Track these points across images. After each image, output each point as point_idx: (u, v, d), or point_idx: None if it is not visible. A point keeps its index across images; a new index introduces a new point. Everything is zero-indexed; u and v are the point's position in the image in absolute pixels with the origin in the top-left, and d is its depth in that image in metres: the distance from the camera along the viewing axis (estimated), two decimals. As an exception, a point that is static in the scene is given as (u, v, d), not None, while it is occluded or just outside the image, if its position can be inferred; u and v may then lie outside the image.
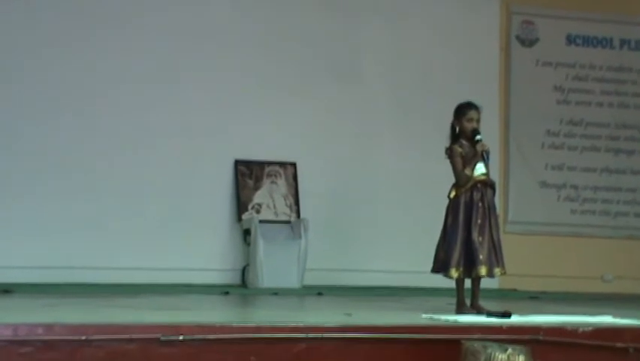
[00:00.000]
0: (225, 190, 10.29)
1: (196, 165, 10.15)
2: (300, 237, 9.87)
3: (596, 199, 11.45)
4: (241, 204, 10.23)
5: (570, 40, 11.57)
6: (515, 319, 5.65)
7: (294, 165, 10.46)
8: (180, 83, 10.17)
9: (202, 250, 10.02)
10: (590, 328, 5.15)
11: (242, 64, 10.34)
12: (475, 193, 6.37)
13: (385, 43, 10.85)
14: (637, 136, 11.63)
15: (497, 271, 6.32)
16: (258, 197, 10.29)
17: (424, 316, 5.78)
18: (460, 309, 6.27)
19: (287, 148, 10.40)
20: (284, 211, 10.31)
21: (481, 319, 5.70)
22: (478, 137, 6.40)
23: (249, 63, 10.37)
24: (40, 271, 9.22)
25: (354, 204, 10.51)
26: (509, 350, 4.46)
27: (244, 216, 10.15)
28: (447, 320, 5.43)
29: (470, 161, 6.40)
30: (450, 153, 6.47)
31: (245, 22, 10.43)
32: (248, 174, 10.33)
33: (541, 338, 4.99)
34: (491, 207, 6.42)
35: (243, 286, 9.87)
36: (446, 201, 6.46)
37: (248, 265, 9.93)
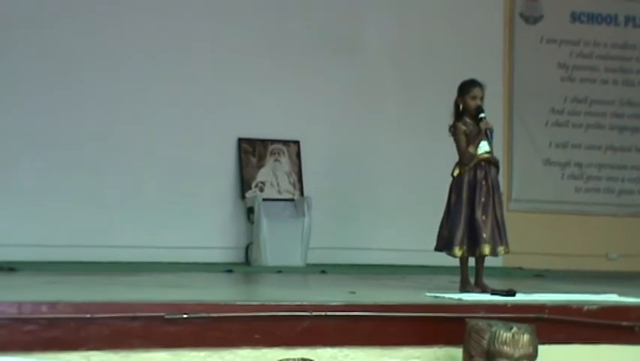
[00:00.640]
0: (229, 168, 10.29)
1: (199, 144, 10.14)
2: (303, 215, 9.87)
3: (601, 177, 11.44)
4: (244, 183, 10.22)
5: (574, 17, 11.52)
6: (520, 297, 5.63)
7: (297, 142, 10.45)
8: (183, 60, 10.15)
9: (205, 228, 10.03)
10: (595, 306, 5.13)
11: (245, 42, 10.33)
12: (478, 171, 6.34)
13: (389, 20, 10.81)
14: (642, 114, 11.62)
15: (501, 249, 6.29)
16: (262, 175, 10.28)
17: (427, 294, 5.77)
18: (464, 287, 6.25)
19: (290, 126, 10.39)
20: (287, 189, 10.30)
21: (486, 297, 5.68)
22: (482, 115, 6.36)
23: (253, 41, 10.35)
24: (43, 248, 9.24)
25: (358, 182, 10.51)
26: (514, 329, 4.45)
27: (247, 195, 10.14)
28: (451, 298, 5.42)
29: (474, 139, 6.36)
30: (453, 130, 6.43)
31: (248, 0, 10.39)
32: (251, 152, 10.32)
33: (546, 316, 4.97)
34: (495, 186, 6.38)
35: (246, 264, 9.88)
36: (450, 179, 6.43)
37: (251, 243, 9.93)
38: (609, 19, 11.63)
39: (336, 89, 10.56)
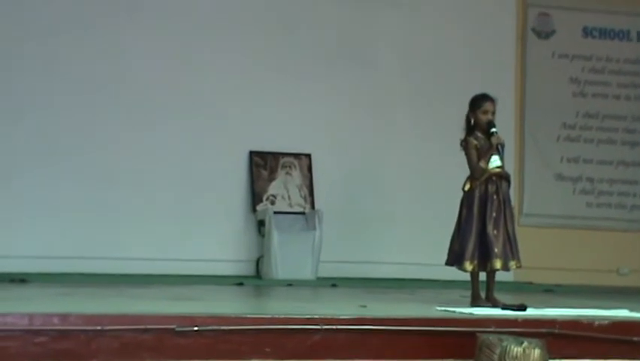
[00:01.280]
0: (240, 181, 10.29)
1: (211, 156, 10.15)
2: (314, 228, 9.87)
3: (612, 192, 11.41)
4: (256, 195, 10.23)
5: (587, 32, 11.52)
6: (531, 312, 5.63)
7: (308, 156, 10.45)
8: (194, 73, 10.16)
9: (216, 241, 10.03)
10: (606, 321, 5.13)
11: (257, 55, 10.34)
12: (489, 186, 6.34)
13: (401, 35, 10.82)
14: (654, 129, 11.60)
15: (512, 264, 6.30)
16: (273, 188, 10.29)
17: (438, 308, 5.76)
18: (475, 302, 6.25)
19: (302, 139, 10.39)
20: (298, 202, 10.30)
21: (497, 312, 5.68)
22: (493, 129, 6.37)
23: (264, 54, 10.37)
24: (54, 260, 9.25)
25: (369, 196, 10.50)
26: (525, 343, 4.45)
27: (258, 208, 10.14)
28: (462, 313, 5.42)
29: (485, 153, 6.37)
30: (465, 145, 6.44)
31: (258, 10, 10.41)
32: (262, 165, 10.33)
33: (556, 331, 4.97)
34: (506, 200, 6.39)
35: (257, 277, 9.88)
36: (461, 194, 6.43)
37: (262, 256, 9.93)
38: (621, 35, 11.63)
39: (347, 103, 10.56)
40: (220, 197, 10.14)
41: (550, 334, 4.91)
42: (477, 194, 6.33)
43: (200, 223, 9.97)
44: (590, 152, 11.37)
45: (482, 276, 6.37)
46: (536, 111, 11.24)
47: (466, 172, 6.45)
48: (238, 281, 9.06)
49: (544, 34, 11.41)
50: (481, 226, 6.27)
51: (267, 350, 4.55)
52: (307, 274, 9.70)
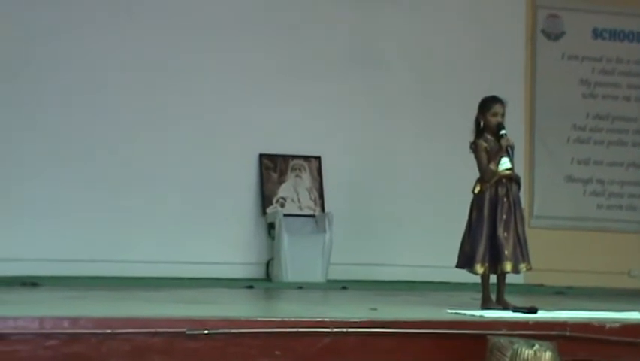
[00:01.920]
0: (250, 184, 10.30)
1: (221, 159, 10.16)
2: (324, 231, 9.87)
3: (623, 194, 11.39)
4: (265, 198, 10.23)
5: (596, 33, 11.50)
6: (542, 314, 5.62)
7: (318, 158, 10.45)
8: (204, 76, 10.17)
9: (226, 244, 10.03)
10: (618, 324, 5.12)
11: (267, 57, 10.35)
12: (499, 188, 6.33)
13: (410, 37, 10.82)
14: (664, 131, 11.57)
15: (523, 266, 6.29)
16: (283, 191, 10.29)
17: (449, 311, 5.75)
18: (486, 304, 6.24)
19: (312, 142, 10.39)
20: (308, 205, 10.30)
21: (507, 314, 5.67)
22: (502, 131, 6.36)
23: (274, 57, 10.37)
24: (65, 263, 9.26)
25: (379, 198, 10.50)
26: (536, 346, 4.44)
27: (269, 210, 10.15)
28: (472, 315, 5.41)
29: (495, 156, 6.36)
30: (474, 147, 6.43)
31: (268, 13, 10.42)
32: (272, 168, 10.34)
33: (568, 333, 4.96)
34: (516, 203, 6.38)
35: (267, 280, 9.88)
36: (471, 196, 6.42)
37: (272, 258, 9.93)
38: (631, 36, 11.60)
39: (357, 105, 10.56)
40: (230, 200, 10.15)
41: (561, 336, 4.89)
42: (487, 196, 6.32)
43: (210, 226, 9.97)
44: (601, 153, 11.35)
45: (493, 278, 6.36)
46: (546, 113, 11.22)
47: (476, 174, 6.44)
48: (248, 284, 9.07)
49: (554, 36, 11.39)
50: (492, 229, 6.26)
51: (277, 353, 4.55)
52: (317, 276, 9.70)
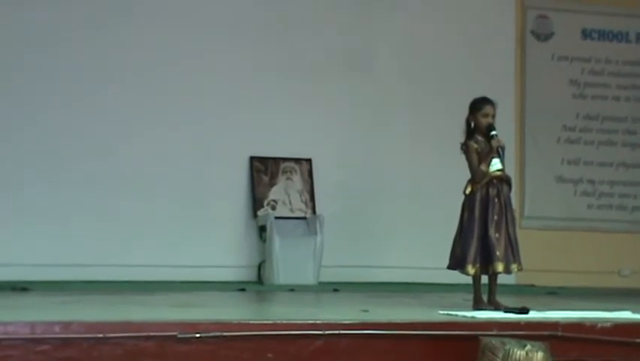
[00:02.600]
0: (241, 187, 10.29)
1: (211, 162, 10.16)
2: (315, 233, 9.87)
3: (613, 194, 11.41)
4: (257, 201, 10.22)
5: (585, 34, 11.52)
6: (533, 314, 5.62)
7: (309, 161, 10.45)
8: (194, 78, 10.17)
9: (217, 247, 10.02)
10: (609, 323, 5.12)
11: (257, 60, 10.35)
12: (490, 189, 6.34)
13: (401, 39, 10.83)
14: (654, 130, 11.60)
15: (514, 267, 6.29)
16: (274, 193, 10.29)
17: (441, 312, 5.75)
18: (478, 305, 6.24)
19: (302, 144, 10.40)
20: (299, 207, 10.30)
21: (499, 315, 5.67)
22: (493, 132, 6.37)
23: (264, 59, 10.38)
24: (56, 268, 9.25)
25: (370, 200, 10.50)
26: (528, 346, 4.44)
27: (260, 213, 10.14)
28: (464, 316, 5.41)
29: (486, 157, 6.37)
30: (465, 148, 6.44)
31: (258, 17, 10.42)
32: (263, 171, 10.33)
33: (559, 333, 4.96)
34: (507, 203, 6.39)
35: (258, 283, 9.87)
36: (462, 197, 6.43)
37: (264, 261, 9.92)
38: (620, 36, 11.63)
39: (348, 107, 10.57)
40: (221, 203, 10.14)
41: (552, 336, 4.90)
42: (478, 197, 6.33)
43: (201, 229, 9.96)
44: (591, 154, 11.37)
45: (484, 279, 6.37)
46: (536, 114, 11.24)
47: (467, 175, 6.45)
48: (240, 287, 9.06)
49: (544, 37, 11.41)
50: (483, 230, 6.27)
51: (270, 355, 4.54)
52: (309, 279, 9.70)
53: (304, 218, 10.19)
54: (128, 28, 10.04)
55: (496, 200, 6.32)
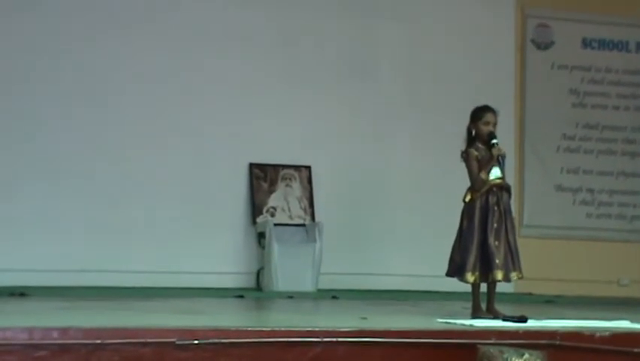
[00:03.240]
0: (240, 193, 10.29)
1: (210, 169, 10.16)
2: (314, 240, 9.87)
3: (612, 203, 11.41)
4: (256, 208, 10.22)
5: (586, 43, 11.53)
6: (531, 323, 5.62)
7: (308, 168, 10.45)
8: (194, 86, 10.17)
9: (216, 254, 10.02)
10: (607, 333, 5.12)
11: (257, 67, 10.36)
12: (490, 197, 6.35)
13: (401, 47, 10.83)
14: (653, 140, 11.60)
15: (514, 275, 6.30)
16: (273, 200, 10.28)
17: (439, 320, 5.75)
18: (476, 313, 6.24)
19: (302, 151, 10.40)
20: (298, 214, 10.30)
21: (497, 323, 5.67)
22: (494, 141, 6.38)
23: (264, 67, 10.38)
24: (54, 274, 9.23)
25: (369, 208, 10.50)
26: (526, 355, 4.44)
27: (259, 220, 10.14)
28: (462, 325, 5.41)
29: (486, 165, 6.37)
30: (466, 156, 6.44)
31: (259, 24, 10.42)
32: (262, 177, 10.33)
33: (557, 342, 4.96)
34: (507, 211, 6.39)
35: (257, 290, 9.87)
36: (461, 205, 6.43)
37: (262, 268, 9.92)
38: (620, 46, 11.64)
39: (347, 115, 10.57)
40: (220, 209, 10.14)
41: (551, 345, 4.90)
42: (478, 205, 6.33)
43: (200, 236, 9.96)
44: (590, 163, 11.37)
45: (483, 287, 6.36)
46: (536, 122, 11.25)
47: (467, 183, 6.45)
48: (238, 294, 9.05)
49: (544, 45, 11.42)
50: (482, 237, 6.27)
51: (268, 362, 4.55)
52: (308, 286, 9.69)
53: (303, 225, 10.19)
54: (128, 37, 10.03)
55: (495, 208, 6.32)
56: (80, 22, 9.94)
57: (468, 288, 6.40)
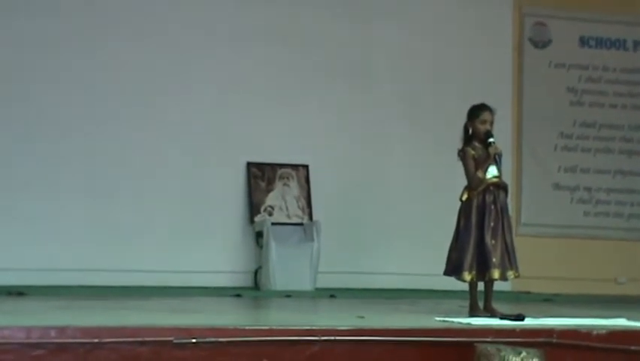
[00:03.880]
0: (237, 192, 10.29)
1: (208, 168, 10.15)
2: (312, 239, 9.87)
3: (610, 201, 11.42)
4: (253, 207, 10.22)
5: (583, 42, 11.53)
6: (529, 321, 5.63)
7: (306, 167, 10.45)
8: (192, 84, 10.18)
9: (214, 253, 10.02)
10: (604, 331, 5.13)
11: (255, 67, 10.36)
12: (487, 196, 6.35)
13: (397, 45, 10.83)
14: (651, 138, 11.61)
15: (510, 274, 6.30)
16: (271, 199, 10.28)
17: (437, 318, 5.76)
18: (473, 312, 6.25)
19: (299, 150, 10.40)
20: (296, 213, 10.30)
21: (495, 321, 5.68)
22: (491, 139, 6.38)
23: (262, 67, 10.38)
24: (52, 273, 9.24)
25: (367, 207, 10.50)
26: (523, 353, 4.45)
27: (256, 219, 10.14)
28: (460, 323, 5.41)
29: (483, 163, 6.38)
30: (462, 155, 6.45)
31: (256, 23, 10.42)
32: (260, 176, 10.33)
33: (554, 340, 4.97)
34: (504, 210, 6.40)
35: (255, 289, 9.87)
36: (459, 204, 6.44)
37: (260, 267, 9.92)
38: (618, 44, 11.64)
39: (345, 114, 10.57)
40: (218, 208, 10.14)
41: (548, 344, 4.90)
42: (475, 204, 6.34)
43: (198, 235, 9.96)
44: (588, 161, 11.38)
45: (480, 286, 6.37)
46: (534, 121, 11.25)
47: (464, 182, 6.45)
48: (236, 293, 9.05)
49: (541, 44, 11.42)
50: (479, 236, 6.28)
51: (265, 361, 4.55)
52: (305, 285, 9.69)
53: (301, 224, 10.19)
54: (128, 37, 10.03)
55: (492, 207, 6.33)
56: (80, 22, 9.94)
57: (465, 287, 6.41)
